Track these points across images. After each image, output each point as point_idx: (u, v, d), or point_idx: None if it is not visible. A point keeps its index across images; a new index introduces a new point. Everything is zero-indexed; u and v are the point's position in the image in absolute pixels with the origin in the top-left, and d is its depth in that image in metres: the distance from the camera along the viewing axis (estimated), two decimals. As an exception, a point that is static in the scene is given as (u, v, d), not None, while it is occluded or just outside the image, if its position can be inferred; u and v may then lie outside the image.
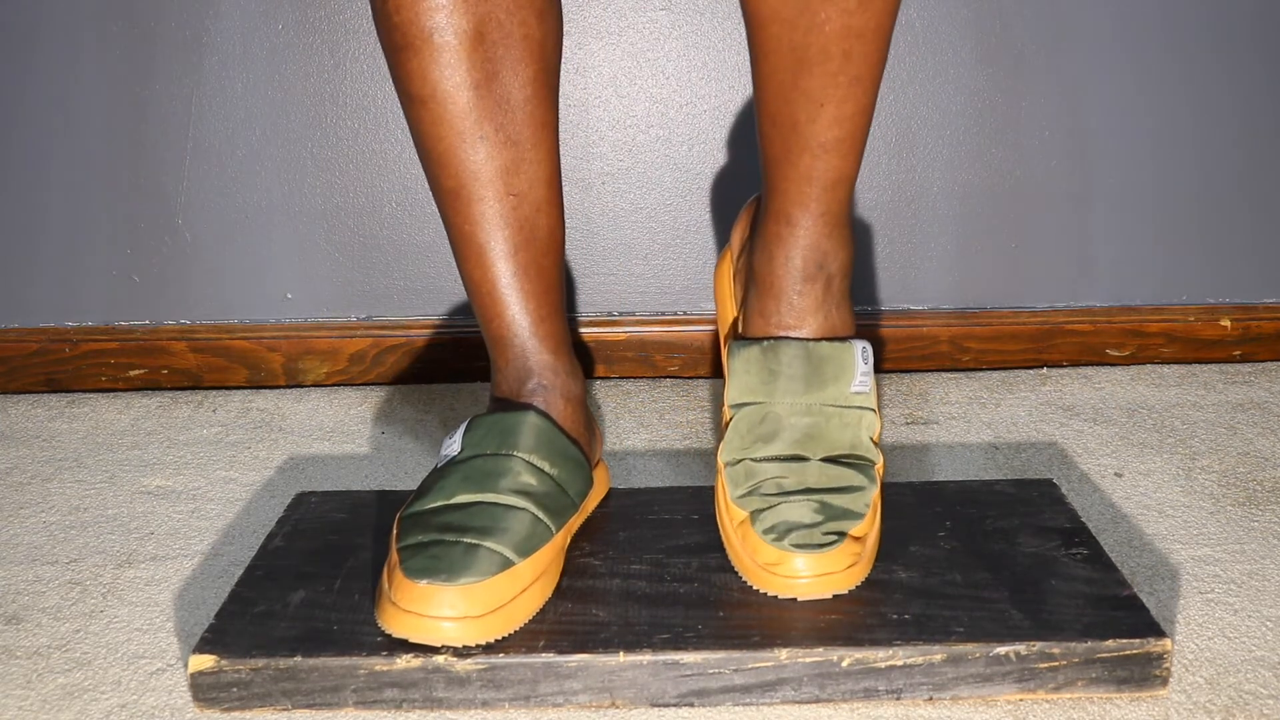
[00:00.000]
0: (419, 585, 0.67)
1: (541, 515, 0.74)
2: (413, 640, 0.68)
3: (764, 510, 0.74)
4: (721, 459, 0.78)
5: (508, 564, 0.70)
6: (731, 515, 0.76)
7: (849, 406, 0.79)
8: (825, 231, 0.79)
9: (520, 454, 0.76)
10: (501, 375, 0.83)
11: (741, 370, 0.80)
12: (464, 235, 0.80)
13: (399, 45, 0.76)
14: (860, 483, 0.76)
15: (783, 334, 0.80)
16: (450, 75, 0.76)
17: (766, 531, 0.73)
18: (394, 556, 0.71)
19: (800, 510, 0.73)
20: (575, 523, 0.80)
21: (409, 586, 0.68)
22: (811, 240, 0.79)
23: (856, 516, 0.74)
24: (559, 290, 0.84)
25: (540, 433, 0.77)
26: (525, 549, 0.71)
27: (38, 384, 1.22)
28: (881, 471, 0.79)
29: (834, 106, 0.74)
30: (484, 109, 0.77)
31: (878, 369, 1.22)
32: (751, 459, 0.77)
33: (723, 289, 0.89)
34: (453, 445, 0.78)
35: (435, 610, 0.67)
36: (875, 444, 0.79)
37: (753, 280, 0.82)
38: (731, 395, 0.80)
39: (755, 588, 0.73)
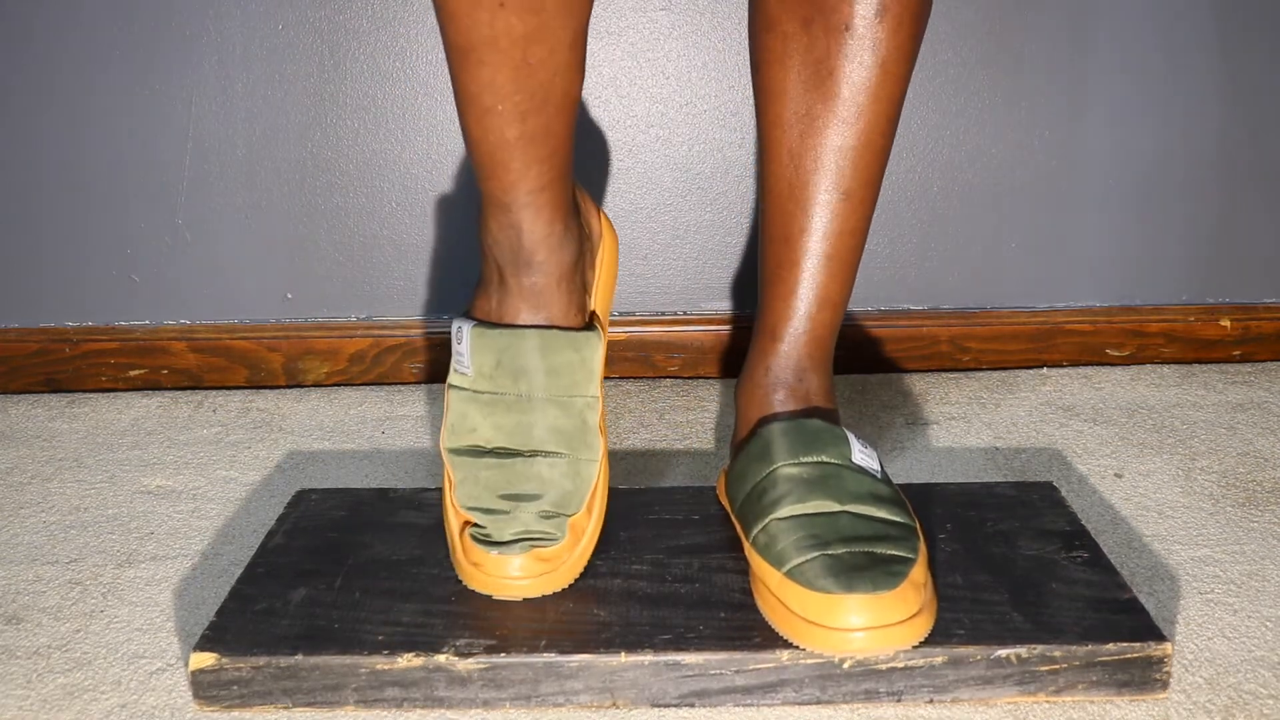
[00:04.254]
0: (491, 555, 0.73)
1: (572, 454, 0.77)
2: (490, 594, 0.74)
3: (804, 562, 0.69)
4: (746, 540, 0.75)
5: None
6: (767, 576, 0.71)
7: (860, 470, 0.75)
8: (807, 351, 0.81)
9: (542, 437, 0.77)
10: (494, 240, 0.77)
11: (741, 461, 0.79)
12: (469, 95, 0.71)
13: None
14: (901, 527, 0.72)
15: (769, 414, 0.81)
16: None
17: (815, 578, 0.67)
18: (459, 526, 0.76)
19: (847, 557, 0.69)
20: (601, 301, 0.83)
21: (479, 551, 0.74)
22: (793, 358, 0.81)
23: (909, 561, 0.69)
24: (566, 152, 0.76)
25: (550, 361, 0.77)
26: (577, 502, 0.76)
27: (38, 384, 1.22)
28: (924, 539, 0.73)
29: (824, 222, 0.79)
30: None
31: (875, 369, 1.22)
32: (777, 519, 0.73)
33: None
34: (462, 360, 0.78)
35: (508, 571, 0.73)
36: (904, 505, 0.75)
37: (736, 411, 0.84)
38: (732, 489, 0.79)
39: (804, 647, 0.67)
